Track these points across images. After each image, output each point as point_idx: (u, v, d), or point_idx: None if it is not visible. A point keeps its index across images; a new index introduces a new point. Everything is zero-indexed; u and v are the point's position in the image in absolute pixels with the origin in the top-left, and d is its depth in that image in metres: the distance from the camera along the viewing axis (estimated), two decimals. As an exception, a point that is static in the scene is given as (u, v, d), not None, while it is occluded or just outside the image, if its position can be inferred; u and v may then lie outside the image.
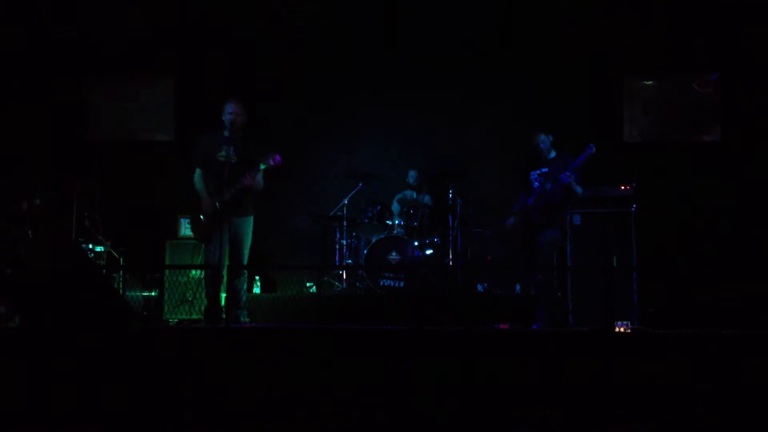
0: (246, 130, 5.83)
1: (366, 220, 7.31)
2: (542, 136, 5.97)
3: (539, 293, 5.84)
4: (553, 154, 5.99)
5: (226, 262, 5.74)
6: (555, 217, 5.89)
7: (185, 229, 7.13)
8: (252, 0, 7.98)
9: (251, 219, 5.80)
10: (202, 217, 5.72)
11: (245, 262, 5.78)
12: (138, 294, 7.22)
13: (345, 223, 7.42)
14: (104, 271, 6.51)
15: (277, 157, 5.59)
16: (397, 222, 7.32)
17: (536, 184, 5.96)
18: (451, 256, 7.30)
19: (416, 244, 7.14)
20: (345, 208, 7.46)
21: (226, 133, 5.77)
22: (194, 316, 6.73)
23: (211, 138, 5.83)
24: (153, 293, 7.35)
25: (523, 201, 6.05)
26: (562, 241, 6.16)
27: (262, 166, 5.60)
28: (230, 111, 5.75)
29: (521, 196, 6.10)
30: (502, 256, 7.58)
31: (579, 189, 5.79)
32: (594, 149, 5.61)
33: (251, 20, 8.04)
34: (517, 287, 7.24)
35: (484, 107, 8.11)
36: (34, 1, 7.71)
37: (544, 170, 5.95)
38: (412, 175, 7.91)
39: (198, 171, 5.82)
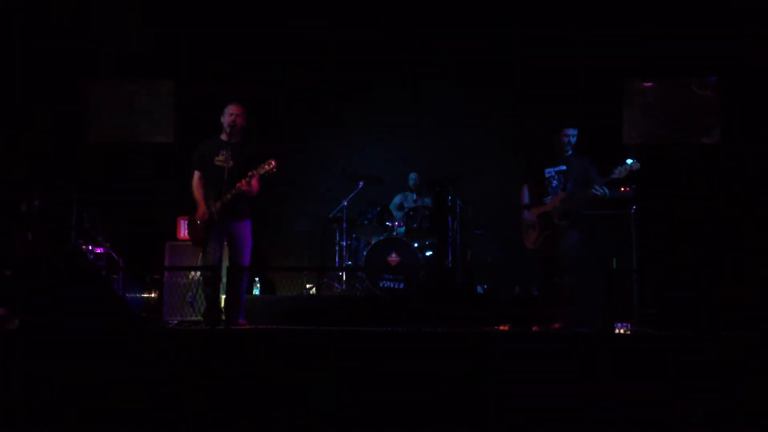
0: (244, 133, 5.83)
1: (366, 222, 7.31)
2: (573, 130, 5.74)
3: (564, 297, 5.56)
4: (570, 152, 5.78)
5: (225, 264, 5.74)
6: (575, 218, 5.68)
7: (185, 231, 7.12)
8: (252, 2, 8.00)
9: (248, 223, 5.79)
10: (198, 221, 5.73)
11: (247, 264, 5.78)
12: (138, 295, 7.21)
13: (345, 225, 7.42)
14: (104, 272, 6.50)
15: (272, 163, 5.58)
16: (396, 223, 7.33)
17: (554, 182, 5.76)
18: (450, 258, 7.30)
19: (416, 245, 7.15)
20: (345, 210, 7.45)
21: (223, 137, 5.78)
22: (194, 318, 6.72)
23: (209, 142, 5.84)
24: (153, 295, 7.34)
25: (534, 196, 5.86)
26: (583, 241, 5.86)
27: (259, 172, 5.59)
28: (230, 113, 5.75)
29: (529, 190, 5.91)
30: (502, 257, 7.58)
31: (608, 192, 5.55)
32: (638, 165, 5.38)
33: (251, 23, 8.06)
34: (517, 288, 7.24)
35: (483, 109, 8.11)
36: (35, 3, 7.72)
37: (561, 168, 5.74)
38: (412, 177, 7.92)
39: (196, 174, 5.83)
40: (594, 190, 5.49)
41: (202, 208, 5.71)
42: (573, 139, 5.75)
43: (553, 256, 5.69)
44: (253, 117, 5.96)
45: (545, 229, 5.71)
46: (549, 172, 5.81)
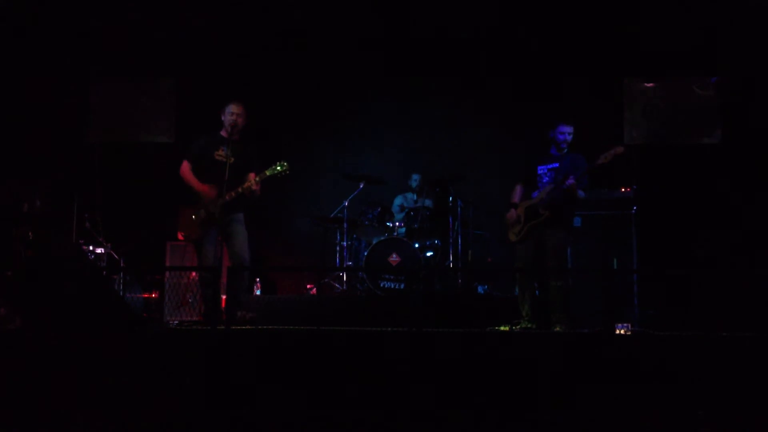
0: (244, 132, 5.83)
1: (366, 222, 7.31)
2: (567, 127, 5.63)
3: (557, 299, 5.54)
4: (566, 150, 5.69)
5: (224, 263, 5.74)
6: (561, 216, 5.59)
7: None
8: (252, 1, 8.00)
9: (242, 216, 5.75)
10: (194, 216, 5.70)
11: (247, 258, 5.73)
12: (138, 296, 7.22)
13: (345, 225, 7.43)
14: (104, 272, 6.50)
15: (285, 164, 5.55)
16: (397, 224, 7.34)
17: (546, 179, 5.69)
18: (451, 258, 7.30)
19: (417, 246, 7.15)
20: (345, 210, 7.46)
21: (223, 134, 5.78)
22: (194, 318, 6.72)
23: (209, 137, 5.84)
24: (153, 295, 7.35)
25: (523, 193, 5.81)
26: (569, 241, 5.84)
27: (271, 173, 5.57)
28: (232, 112, 5.75)
29: (520, 189, 5.87)
30: (502, 258, 7.57)
31: (581, 194, 5.53)
32: (621, 148, 5.38)
33: (252, 22, 8.06)
34: (517, 289, 7.23)
35: (484, 109, 8.12)
36: (36, 3, 7.73)
37: (554, 165, 5.68)
38: (415, 178, 7.91)
39: (186, 164, 5.80)
40: (568, 180, 5.44)
41: (206, 188, 5.64)
42: (569, 137, 5.66)
43: (536, 251, 5.64)
44: (254, 116, 5.97)
45: (528, 220, 5.64)
46: (542, 169, 5.75)
